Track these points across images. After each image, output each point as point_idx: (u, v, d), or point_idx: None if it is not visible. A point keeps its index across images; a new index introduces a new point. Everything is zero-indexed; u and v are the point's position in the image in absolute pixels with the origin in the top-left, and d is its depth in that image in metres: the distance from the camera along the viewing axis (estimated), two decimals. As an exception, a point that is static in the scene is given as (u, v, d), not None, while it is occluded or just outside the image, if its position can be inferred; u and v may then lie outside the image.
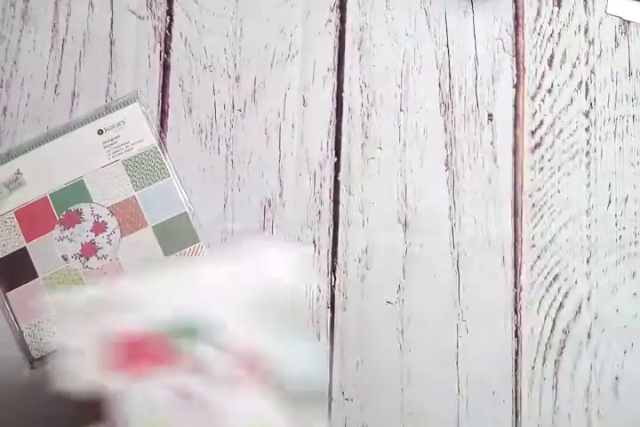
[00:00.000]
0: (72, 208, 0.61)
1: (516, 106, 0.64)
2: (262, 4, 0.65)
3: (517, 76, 0.64)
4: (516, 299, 0.62)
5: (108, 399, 0.44)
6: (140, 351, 0.47)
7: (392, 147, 0.64)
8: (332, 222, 0.63)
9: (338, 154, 0.64)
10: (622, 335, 0.62)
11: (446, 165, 0.64)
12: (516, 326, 0.62)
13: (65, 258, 0.61)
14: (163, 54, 0.64)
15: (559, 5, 0.65)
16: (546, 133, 0.64)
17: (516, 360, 0.62)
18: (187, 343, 0.47)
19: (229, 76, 0.64)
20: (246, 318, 0.49)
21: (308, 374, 0.50)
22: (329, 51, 0.65)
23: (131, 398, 0.45)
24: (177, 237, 0.61)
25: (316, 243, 0.63)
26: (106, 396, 0.44)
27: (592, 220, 0.63)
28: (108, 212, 0.61)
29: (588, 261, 0.63)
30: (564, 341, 0.62)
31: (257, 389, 0.47)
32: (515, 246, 0.63)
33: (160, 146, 0.62)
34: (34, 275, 0.61)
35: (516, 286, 0.62)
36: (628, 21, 0.65)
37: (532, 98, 0.64)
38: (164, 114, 0.64)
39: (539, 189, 0.63)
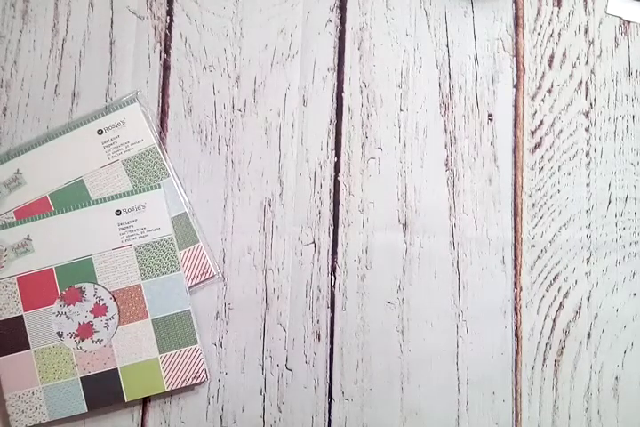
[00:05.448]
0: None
1: (516, 106, 0.64)
2: (262, 4, 0.65)
3: (517, 76, 0.64)
4: (516, 299, 0.62)
5: None
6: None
7: (392, 147, 0.64)
8: (331, 222, 0.63)
9: (338, 154, 0.64)
10: (622, 335, 0.62)
11: (446, 165, 0.64)
12: (516, 326, 0.62)
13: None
14: (163, 54, 0.64)
15: (559, 5, 0.65)
16: (546, 133, 0.64)
17: (516, 360, 0.62)
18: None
19: (229, 76, 0.64)
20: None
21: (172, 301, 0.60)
22: (329, 51, 0.65)
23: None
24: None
25: (316, 243, 0.63)
26: None
27: (592, 220, 0.63)
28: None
29: (587, 261, 0.63)
30: (564, 341, 0.62)
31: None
32: (515, 246, 0.63)
33: (160, 146, 0.62)
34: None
35: (515, 286, 0.62)
36: (628, 21, 0.65)
37: (532, 98, 0.64)
38: (164, 114, 0.64)
39: (539, 189, 0.63)
